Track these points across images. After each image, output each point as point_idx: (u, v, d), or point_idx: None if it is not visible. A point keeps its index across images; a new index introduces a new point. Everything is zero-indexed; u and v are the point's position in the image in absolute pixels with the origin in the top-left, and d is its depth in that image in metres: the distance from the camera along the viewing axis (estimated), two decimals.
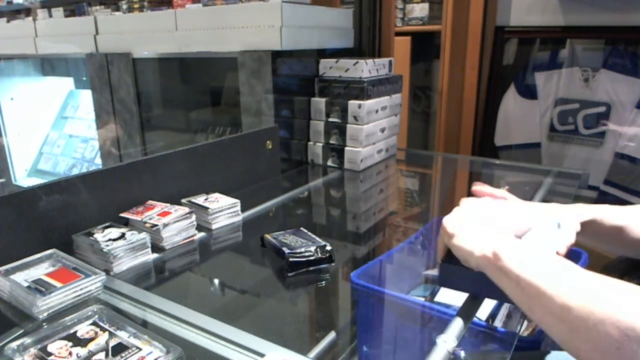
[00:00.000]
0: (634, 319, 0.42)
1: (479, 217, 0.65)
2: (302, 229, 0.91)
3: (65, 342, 0.58)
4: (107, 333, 0.60)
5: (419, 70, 2.54)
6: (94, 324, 0.62)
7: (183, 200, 1.02)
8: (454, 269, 0.63)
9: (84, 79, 2.29)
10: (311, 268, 0.80)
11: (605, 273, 0.50)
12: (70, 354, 0.56)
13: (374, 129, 1.42)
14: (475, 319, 0.63)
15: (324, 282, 0.79)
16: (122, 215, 0.92)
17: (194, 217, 0.93)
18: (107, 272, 0.77)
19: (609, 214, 0.70)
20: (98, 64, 1.81)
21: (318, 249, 0.80)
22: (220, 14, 1.44)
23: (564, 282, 0.50)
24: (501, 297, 0.60)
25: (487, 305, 0.80)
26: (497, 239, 0.58)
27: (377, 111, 1.42)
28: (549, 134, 1.78)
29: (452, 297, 0.87)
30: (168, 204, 0.95)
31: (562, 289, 0.49)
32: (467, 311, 0.61)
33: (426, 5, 2.40)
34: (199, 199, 1.02)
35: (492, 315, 0.81)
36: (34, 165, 2.55)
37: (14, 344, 0.57)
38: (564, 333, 0.48)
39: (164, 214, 0.91)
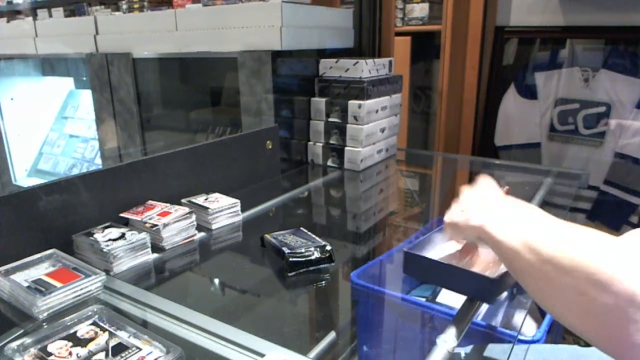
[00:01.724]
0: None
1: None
2: (302, 229, 0.91)
3: (65, 342, 0.58)
4: (107, 333, 0.60)
5: (419, 70, 2.54)
6: (94, 324, 0.62)
7: (183, 200, 1.02)
8: (419, 258, 0.65)
9: (84, 79, 2.29)
10: (311, 268, 0.80)
11: None
12: (70, 354, 0.56)
13: (374, 129, 1.42)
14: (474, 318, 0.63)
15: (324, 282, 0.79)
16: (122, 215, 0.92)
17: (194, 217, 0.93)
18: (107, 272, 0.77)
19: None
20: (98, 64, 1.81)
21: (318, 249, 0.80)
22: (220, 14, 1.44)
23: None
24: (462, 290, 0.62)
25: (488, 305, 0.80)
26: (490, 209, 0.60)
27: (377, 111, 1.42)
28: (549, 134, 1.78)
29: (453, 298, 0.87)
30: (168, 204, 0.95)
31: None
32: (467, 311, 0.61)
33: (426, 5, 2.41)
34: (199, 199, 1.02)
35: (493, 316, 0.81)
36: (34, 165, 2.55)
37: (14, 344, 0.57)
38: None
39: (164, 214, 0.91)
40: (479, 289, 0.61)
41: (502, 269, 0.62)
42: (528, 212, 0.58)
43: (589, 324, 0.45)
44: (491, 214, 0.60)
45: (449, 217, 0.67)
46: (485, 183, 0.72)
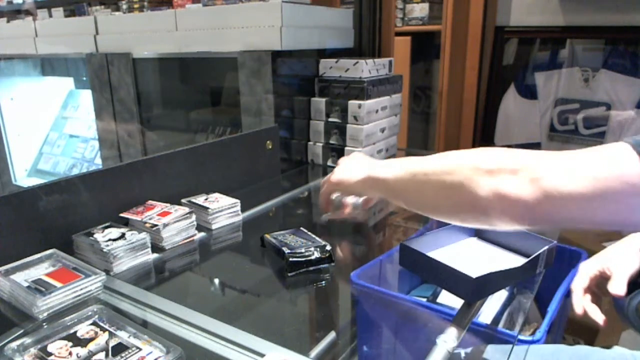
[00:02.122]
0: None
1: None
2: (302, 229, 0.91)
3: (65, 342, 0.58)
4: (107, 333, 0.60)
5: (419, 70, 2.54)
6: (94, 324, 0.62)
7: (183, 200, 1.02)
8: (411, 250, 0.67)
9: (84, 79, 2.29)
10: (311, 268, 0.80)
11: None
12: (70, 354, 0.56)
13: (374, 129, 1.42)
14: (475, 319, 0.63)
15: (324, 282, 0.79)
16: (122, 215, 0.92)
17: (194, 217, 0.93)
18: (107, 272, 0.77)
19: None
20: (98, 64, 1.81)
21: (318, 249, 0.80)
22: (220, 14, 1.44)
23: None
24: (446, 287, 0.64)
25: (488, 306, 0.80)
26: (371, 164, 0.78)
27: (377, 111, 1.42)
28: (549, 134, 1.78)
29: (454, 298, 0.87)
30: (168, 204, 0.95)
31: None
32: (467, 311, 0.61)
33: (426, 5, 2.41)
34: (199, 199, 1.02)
35: (493, 316, 0.81)
36: (34, 165, 2.55)
37: (14, 344, 0.57)
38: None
39: (164, 214, 0.91)
40: (460, 286, 0.62)
41: (486, 269, 0.62)
42: (399, 158, 0.72)
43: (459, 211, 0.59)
44: (372, 166, 0.76)
45: (334, 177, 0.85)
46: (358, 154, 0.91)
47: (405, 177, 0.66)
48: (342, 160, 0.90)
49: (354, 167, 0.82)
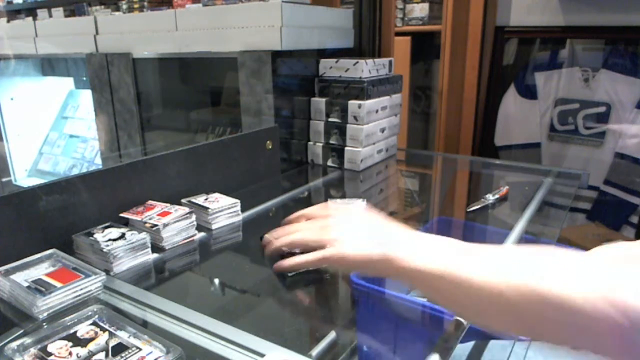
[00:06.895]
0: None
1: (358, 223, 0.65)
2: None
3: (65, 342, 0.58)
4: (107, 333, 0.60)
5: (419, 70, 2.54)
6: (94, 324, 0.62)
7: (183, 200, 1.02)
8: None
9: (84, 79, 2.29)
10: (311, 268, 0.80)
11: None
12: (70, 354, 0.56)
13: (374, 129, 1.42)
14: None
15: (324, 282, 0.79)
16: (122, 215, 0.92)
17: (194, 217, 0.93)
18: (107, 272, 0.77)
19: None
20: (98, 64, 1.81)
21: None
22: (220, 14, 1.44)
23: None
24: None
25: None
26: (390, 241, 0.57)
27: (377, 111, 1.42)
28: (549, 134, 1.78)
29: None
30: (168, 204, 0.95)
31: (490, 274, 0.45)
32: None
33: (426, 5, 2.41)
34: (199, 199, 1.02)
35: None
36: (34, 165, 2.55)
37: (14, 344, 0.57)
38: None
39: (164, 214, 0.91)
40: None
41: None
42: (421, 234, 0.57)
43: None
44: (387, 239, 0.57)
45: (333, 251, 0.63)
46: (355, 207, 0.69)
47: (445, 277, 0.48)
48: (336, 219, 0.67)
49: (359, 237, 0.61)
